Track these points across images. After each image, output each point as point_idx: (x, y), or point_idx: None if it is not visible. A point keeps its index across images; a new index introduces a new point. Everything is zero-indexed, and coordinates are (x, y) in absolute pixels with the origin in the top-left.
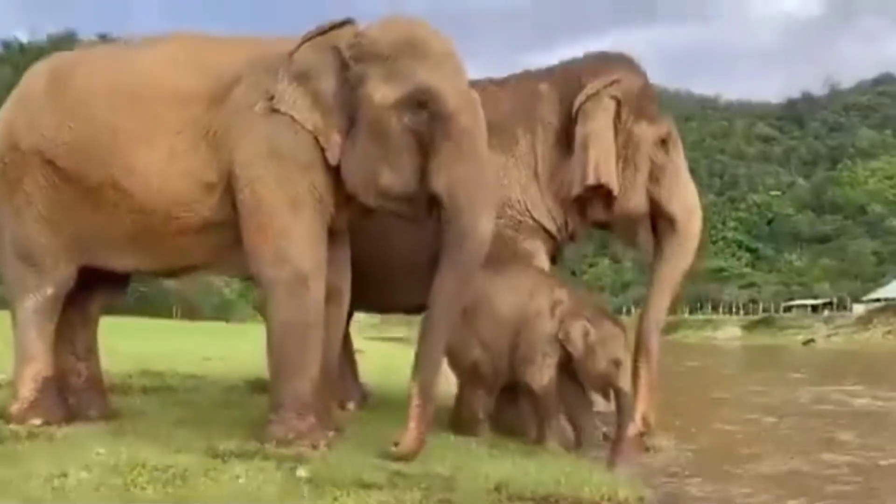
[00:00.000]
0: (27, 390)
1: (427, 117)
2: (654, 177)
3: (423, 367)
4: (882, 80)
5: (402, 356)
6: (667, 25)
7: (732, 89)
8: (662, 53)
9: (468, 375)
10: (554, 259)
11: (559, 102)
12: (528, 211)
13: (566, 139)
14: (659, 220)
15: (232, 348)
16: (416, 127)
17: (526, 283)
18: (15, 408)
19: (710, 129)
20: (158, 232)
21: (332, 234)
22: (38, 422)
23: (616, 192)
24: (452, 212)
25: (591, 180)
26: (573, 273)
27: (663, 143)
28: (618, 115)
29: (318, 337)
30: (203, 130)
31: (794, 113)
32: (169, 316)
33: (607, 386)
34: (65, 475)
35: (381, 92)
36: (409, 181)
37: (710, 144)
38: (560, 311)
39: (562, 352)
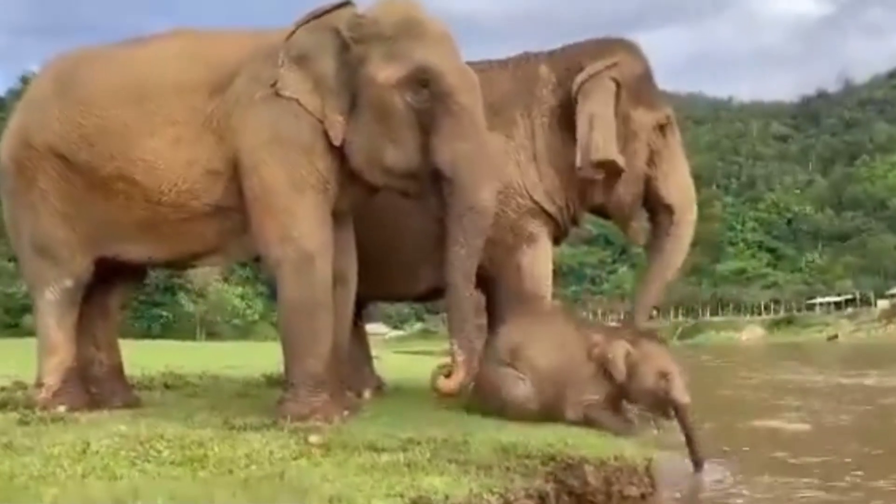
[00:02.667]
0: (52, 380)
1: (428, 95)
2: (652, 162)
3: (457, 329)
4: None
5: (418, 363)
6: (675, 28)
7: (745, 90)
8: (673, 57)
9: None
10: (557, 241)
11: (559, 85)
12: (528, 193)
13: (565, 122)
14: (656, 206)
15: (254, 358)
16: (418, 105)
17: (559, 335)
18: (41, 396)
19: (724, 130)
20: (167, 220)
21: (337, 217)
22: (63, 409)
23: (623, 167)
24: (456, 185)
25: (597, 156)
26: (593, 281)
27: (661, 128)
28: (617, 97)
29: (327, 315)
30: (206, 120)
31: (810, 111)
32: (193, 339)
33: (661, 401)
34: (87, 444)
35: (384, 72)
36: (413, 158)
37: (725, 146)
38: (596, 350)
39: (608, 385)
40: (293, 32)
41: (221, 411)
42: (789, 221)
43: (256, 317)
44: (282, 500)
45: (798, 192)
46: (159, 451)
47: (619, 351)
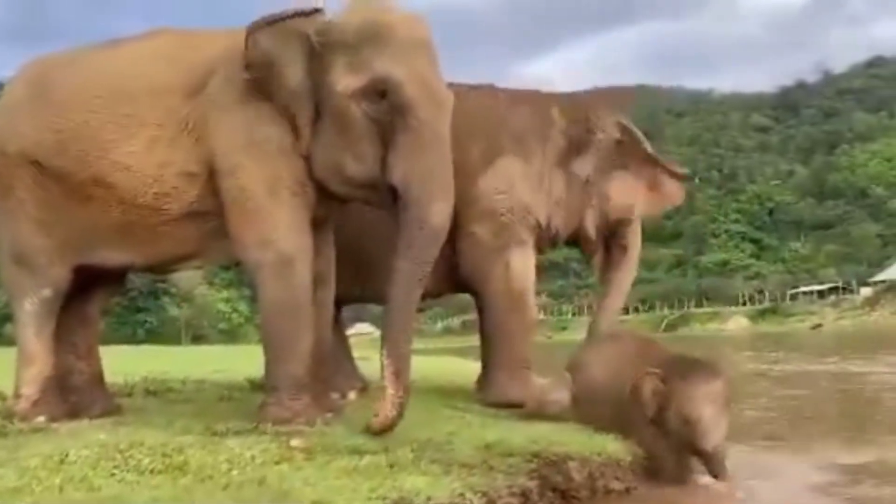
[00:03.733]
0: (30, 390)
1: (387, 107)
2: None
3: (391, 345)
4: (874, 63)
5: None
6: (656, 22)
7: (725, 82)
8: (653, 50)
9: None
10: (540, 250)
11: (565, 131)
12: (531, 211)
13: (566, 163)
14: (613, 245)
15: (238, 362)
16: (376, 116)
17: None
18: (19, 407)
19: (705, 123)
20: (145, 225)
21: (316, 220)
22: (42, 419)
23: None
24: (407, 202)
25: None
26: (578, 276)
27: None
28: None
29: (307, 318)
30: (182, 122)
31: (789, 101)
32: (178, 343)
33: (688, 446)
34: (65, 454)
35: (344, 81)
36: (373, 169)
37: (706, 138)
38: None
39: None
40: (256, 33)
41: (203, 417)
42: (771, 212)
43: (242, 320)
44: None
45: (779, 182)
46: (139, 460)
47: (647, 386)
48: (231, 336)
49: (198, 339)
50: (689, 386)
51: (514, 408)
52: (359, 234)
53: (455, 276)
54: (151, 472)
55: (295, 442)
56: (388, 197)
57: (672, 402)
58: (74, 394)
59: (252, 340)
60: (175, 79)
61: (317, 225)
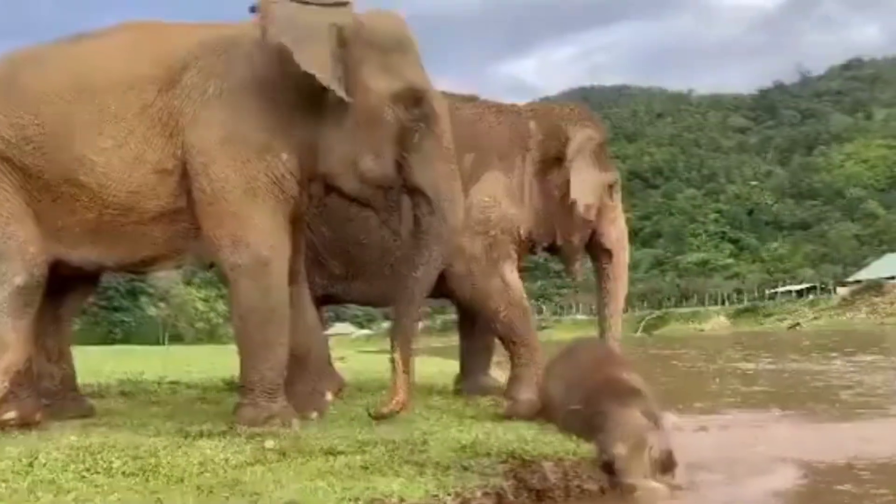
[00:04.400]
0: (0, 383)
1: (419, 114)
2: (599, 214)
3: (402, 342)
4: (851, 66)
5: (382, 362)
6: (635, 24)
7: (704, 83)
8: (633, 52)
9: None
10: (519, 259)
11: (542, 142)
12: (516, 224)
13: (543, 174)
14: (597, 250)
15: (215, 362)
16: (406, 121)
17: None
18: None
19: (684, 123)
20: (116, 223)
21: (292, 220)
22: (12, 415)
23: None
24: (436, 203)
25: (591, 217)
26: (559, 276)
27: (610, 188)
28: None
29: (283, 319)
30: (155, 117)
31: (767, 102)
32: (156, 343)
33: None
34: (35, 456)
35: (380, 82)
36: (389, 171)
37: (686, 139)
38: None
39: None
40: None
41: (177, 418)
42: (750, 212)
43: (220, 320)
44: None
45: (758, 183)
46: (110, 462)
47: (574, 421)
48: (209, 335)
49: (176, 338)
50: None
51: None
52: (343, 237)
53: (438, 282)
54: (123, 474)
55: (269, 444)
56: (392, 198)
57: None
58: (47, 397)
59: (231, 340)
60: (147, 71)
61: (292, 223)
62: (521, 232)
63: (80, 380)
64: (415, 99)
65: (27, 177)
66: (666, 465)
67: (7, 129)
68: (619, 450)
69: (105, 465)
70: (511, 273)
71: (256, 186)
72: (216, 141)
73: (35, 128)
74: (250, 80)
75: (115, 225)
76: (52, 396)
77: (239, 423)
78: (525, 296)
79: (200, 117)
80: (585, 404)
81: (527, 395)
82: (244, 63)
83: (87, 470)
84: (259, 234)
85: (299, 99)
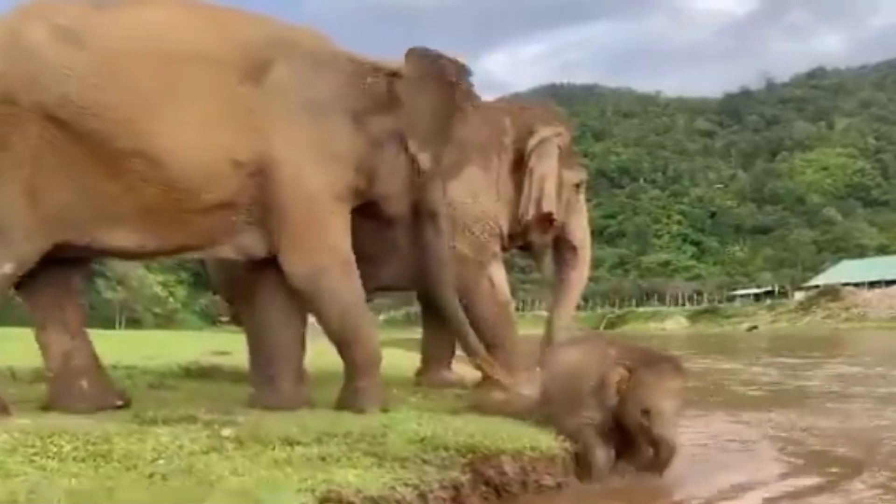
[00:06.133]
0: None
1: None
2: (567, 212)
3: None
4: (815, 74)
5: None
6: (606, 23)
7: (672, 85)
8: (603, 51)
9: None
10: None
11: (515, 139)
12: (496, 221)
13: (516, 170)
14: (563, 246)
15: (173, 348)
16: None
17: (583, 346)
18: None
19: (651, 125)
20: (171, 207)
21: None
22: None
23: (557, 219)
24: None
25: (546, 208)
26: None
27: (577, 187)
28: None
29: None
30: (236, 105)
31: (733, 107)
32: (112, 327)
33: (645, 436)
34: None
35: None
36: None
37: (652, 140)
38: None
39: (605, 409)
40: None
41: (132, 404)
42: (713, 215)
43: (178, 305)
44: (186, 495)
45: (721, 186)
46: (61, 447)
47: (613, 377)
48: (167, 321)
49: (132, 322)
50: (659, 378)
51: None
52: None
53: (416, 272)
54: (74, 459)
55: (226, 431)
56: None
57: (636, 394)
58: (82, 377)
59: (188, 326)
60: (228, 52)
61: None
62: (502, 227)
63: (31, 363)
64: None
65: (81, 144)
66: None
67: (71, 88)
68: (666, 403)
69: (56, 450)
70: (498, 272)
71: (338, 194)
72: (305, 146)
73: (111, 93)
74: (333, 95)
75: (168, 209)
76: (85, 376)
77: (367, 407)
78: (510, 296)
79: (289, 120)
80: (630, 368)
81: (498, 393)
82: (330, 76)
83: (37, 454)
84: (341, 236)
85: (372, 127)
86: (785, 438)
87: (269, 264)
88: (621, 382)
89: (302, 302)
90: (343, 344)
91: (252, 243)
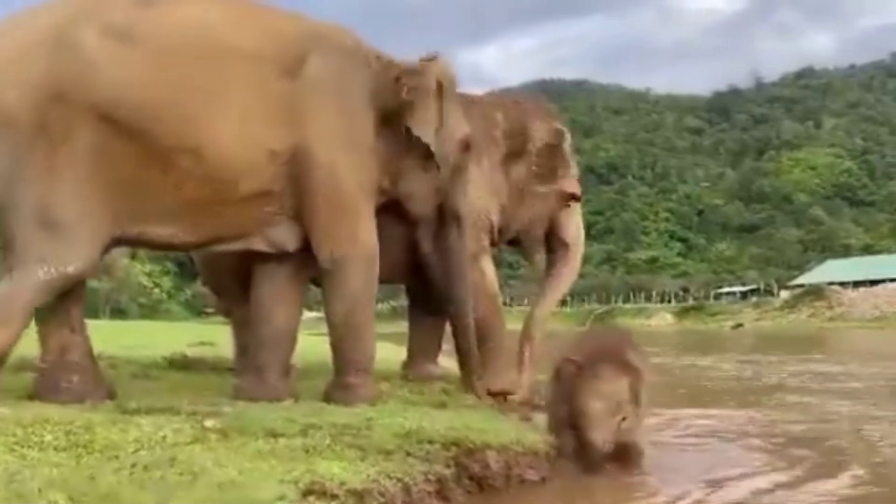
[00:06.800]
0: None
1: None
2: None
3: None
4: (804, 74)
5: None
6: (597, 19)
7: (662, 82)
8: (594, 47)
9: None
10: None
11: (506, 134)
12: (488, 214)
13: (507, 165)
14: (555, 242)
15: (157, 338)
16: (460, 161)
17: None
18: None
19: (641, 122)
20: (210, 200)
21: None
22: None
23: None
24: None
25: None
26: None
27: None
28: None
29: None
30: (275, 98)
31: (722, 105)
32: (97, 317)
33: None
34: None
35: (456, 131)
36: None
37: (641, 137)
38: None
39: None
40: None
41: (116, 394)
42: (700, 212)
43: (164, 295)
44: (168, 486)
45: (709, 184)
46: (42, 436)
47: (566, 372)
48: (152, 311)
49: (117, 312)
50: (587, 378)
51: (507, 395)
52: None
53: (411, 266)
54: (55, 448)
55: (209, 423)
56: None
57: (581, 392)
58: (74, 373)
59: (174, 317)
60: (265, 47)
61: None
62: (493, 222)
63: (17, 351)
64: (467, 144)
65: (134, 141)
66: (630, 449)
67: (125, 84)
68: (594, 406)
69: (37, 439)
70: (489, 266)
71: (366, 186)
72: (338, 138)
73: (165, 90)
74: (363, 90)
75: (206, 202)
76: (80, 371)
77: (357, 403)
78: (498, 290)
79: (324, 112)
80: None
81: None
82: (359, 71)
83: (18, 443)
84: (368, 230)
85: (398, 126)
86: (762, 433)
87: (271, 257)
88: (571, 378)
89: (301, 295)
90: (342, 338)
91: (283, 236)
